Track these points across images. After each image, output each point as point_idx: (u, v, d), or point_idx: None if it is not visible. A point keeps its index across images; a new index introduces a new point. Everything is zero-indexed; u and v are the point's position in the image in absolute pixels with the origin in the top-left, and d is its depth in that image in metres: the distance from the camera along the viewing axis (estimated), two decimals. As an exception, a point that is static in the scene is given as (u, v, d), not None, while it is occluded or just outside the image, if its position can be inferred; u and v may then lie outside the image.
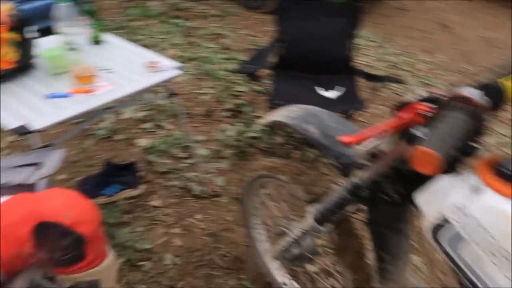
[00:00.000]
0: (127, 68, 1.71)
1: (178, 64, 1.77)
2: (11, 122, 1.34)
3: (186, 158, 2.40)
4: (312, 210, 1.19)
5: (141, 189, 2.16)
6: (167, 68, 1.70)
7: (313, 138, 1.14)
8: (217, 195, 2.17)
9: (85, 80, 1.53)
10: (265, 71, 2.44)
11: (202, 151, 2.45)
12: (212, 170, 2.32)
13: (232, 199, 2.15)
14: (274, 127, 2.48)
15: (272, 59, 2.48)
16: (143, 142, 2.53)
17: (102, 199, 2.06)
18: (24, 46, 1.51)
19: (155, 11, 4.46)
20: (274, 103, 2.20)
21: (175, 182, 2.23)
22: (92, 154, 2.43)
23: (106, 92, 1.52)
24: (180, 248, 1.88)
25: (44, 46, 1.68)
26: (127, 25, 4.09)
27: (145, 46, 2.00)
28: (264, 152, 2.44)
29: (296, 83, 2.42)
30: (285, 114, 1.26)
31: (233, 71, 3.25)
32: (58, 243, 1.13)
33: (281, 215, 1.51)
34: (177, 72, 1.72)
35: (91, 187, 2.08)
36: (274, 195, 1.61)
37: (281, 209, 1.56)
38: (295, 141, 2.50)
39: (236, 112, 2.85)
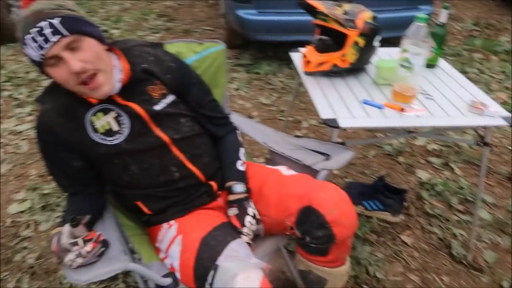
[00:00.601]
0: (447, 100, 1.60)
1: (507, 114, 1.53)
2: (326, 112, 1.49)
3: (461, 212, 2.13)
4: None
5: (399, 218, 2.06)
6: (492, 114, 1.50)
7: None
8: (477, 269, 1.84)
9: (403, 98, 1.53)
10: None
11: (484, 213, 2.11)
12: (485, 239, 1.97)
13: (495, 283, 1.77)
14: None
15: None
16: (423, 175, 2.39)
17: (359, 209, 2.09)
18: (364, 51, 1.63)
19: (501, 47, 4.01)
20: None
21: (436, 230, 2.02)
22: (370, 164, 2.49)
23: (416, 116, 1.48)
24: (411, 299, 1.72)
25: (380, 55, 1.77)
26: (462, 54, 3.87)
27: (472, 80, 1.83)
28: None
29: None
30: None
31: None
32: (312, 231, 1.21)
33: None
34: (502, 123, 1.49)
35: (356, 193, 2.13)
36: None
37: None
38: None
39: (550, 191, 2.29)
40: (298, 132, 2.77)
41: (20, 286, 1.74)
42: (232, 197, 1.29)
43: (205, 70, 1.55)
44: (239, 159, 1.36)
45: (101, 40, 1.09)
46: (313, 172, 1.40)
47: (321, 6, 1.55)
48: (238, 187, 1.30)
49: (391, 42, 1.97)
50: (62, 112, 1.13)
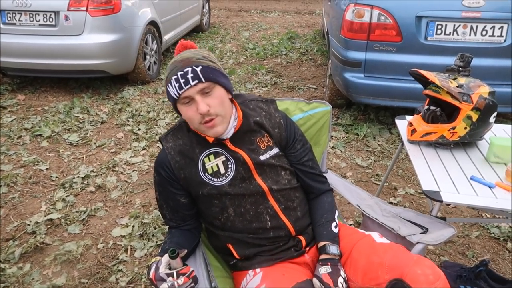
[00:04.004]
0: None
1: None
2: (428, 183, 1.44)
3: None
4: None
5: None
6: None
7: None
8: None
9: (517, 180, 1.41)
10: None
11: None
12: None
13: None
14: None
15: None
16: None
17: (454, 293, 1.90)
18: (477, 126, 1.56)
19: None
20: None
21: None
22: (472, 245, 2.27)
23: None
24: None
25: (494, 131, 1.67)
26: None
27: None
28: None
29: None
30: None
31: None
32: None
33: None
34: None
35: (453, 275, 1.95)
36: None
37: None
38: None
39: None
40: (392, 199, 2.66)
41: (111, 305, 1.88)
42: (325, 256, 1.28)
43: (309, 128, 1.61)
44: (334, 220, 1.37)
45: (228, 90, 1.24)
46: (407, 244, 1.34)
47: (434, 78, 1.54)
48: (333, 248, 1.29)
49: (508, 117, 1.85)
50: (180, 151, 1.28)
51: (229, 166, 1.26)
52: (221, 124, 1.21)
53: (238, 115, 1.28)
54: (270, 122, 1.33)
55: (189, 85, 1.14)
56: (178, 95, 1.16)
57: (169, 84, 1.18)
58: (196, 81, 1.14)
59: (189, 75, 1.14)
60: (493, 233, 2.35)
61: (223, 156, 1.26)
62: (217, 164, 1.26)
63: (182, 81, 1.14)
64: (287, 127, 1.36)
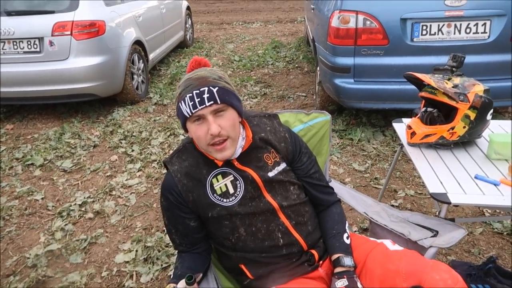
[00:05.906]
0: None
1: None
2: (434, 186, 1.44)
3: None
4: None
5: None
6: None
7: None
8: None
9: (522, 176, 1.42)
10: None
11: None
12: None
13: None
14: None
15: None
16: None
17: (465, 290, 1.89)
18: (475, 124, 1.57)
19: None
20: None
21: None
22: (477, 242, 2.27)
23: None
24: None
25: (491, 127, 1.69)
26: None
27: None
28: None
29: None
30: None
31: None
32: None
33: None
34: None
35: (463, 274, 1.95)
36: None
37: None
38: None
39: None
40: (393, 201, 2.66)
41: (121, 335, 1.83)
42: (340, 269, 1.27)
43: (310, 139, 1.61)
44: (345, 231, 1.36)
45: (240, 113, 1.23)
46: (419, 248, 1.33)
47: (429, 80, 1.55)
48: (347, 260, 1.28)
49: (497, 111, 1.87)
50: (187, 173, 1.26)
51: (238, 185, 1.24)
52: (230, 147, 1.20)
53: (247, 134, 1.27)
54: (275, 137, 1.32)
55: (204, 105, 1.13)
56: (190, 114, 1.14)
57: (182, 101, 1.15)
58: (212, 102, 1.13)
59: (205, 95, 1.13)
60: (496, 228, 2.36)
61: (231, 175, 1.25)
62: (225, 184, 1.24)
63: (197, 100, 1.13)
64: (292, 140, 1.35)
